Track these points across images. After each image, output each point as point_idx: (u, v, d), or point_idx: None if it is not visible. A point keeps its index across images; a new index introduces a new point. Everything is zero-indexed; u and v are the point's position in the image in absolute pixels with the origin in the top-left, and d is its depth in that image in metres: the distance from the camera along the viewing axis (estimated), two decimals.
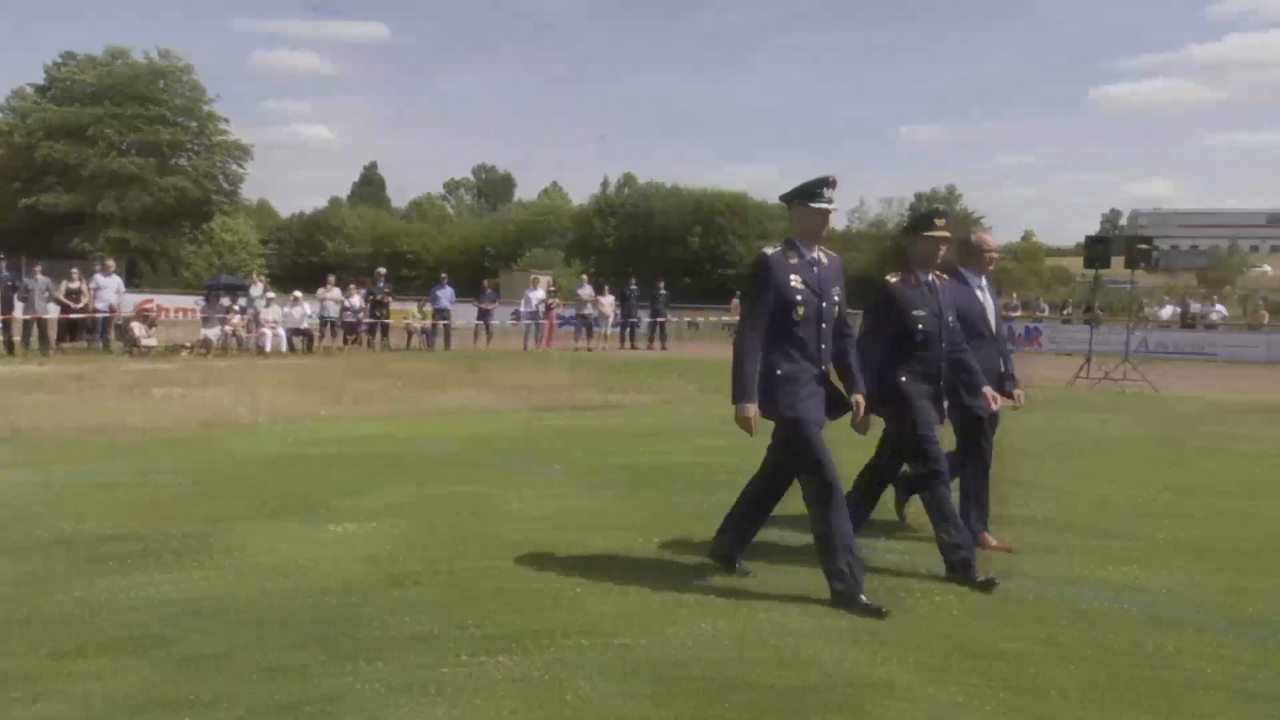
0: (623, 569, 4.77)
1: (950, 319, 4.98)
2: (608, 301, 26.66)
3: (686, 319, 33.53)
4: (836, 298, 4.46)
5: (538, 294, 25.72)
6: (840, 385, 4.55)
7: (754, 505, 4.75)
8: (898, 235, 49.68)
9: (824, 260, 4.47)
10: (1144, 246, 18.69)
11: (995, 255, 5.64)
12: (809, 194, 4.40)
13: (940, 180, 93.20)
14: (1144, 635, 3.99)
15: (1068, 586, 4.68)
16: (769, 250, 4.46)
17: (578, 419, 10.71)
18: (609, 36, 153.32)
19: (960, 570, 4.68)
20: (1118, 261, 19.18)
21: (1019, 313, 33.04)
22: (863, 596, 4.21)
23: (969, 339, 5.22)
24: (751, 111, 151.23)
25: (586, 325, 25.92)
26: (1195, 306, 32.54)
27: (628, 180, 63.56)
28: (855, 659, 3.65)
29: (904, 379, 4.84)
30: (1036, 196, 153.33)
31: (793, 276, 4.35)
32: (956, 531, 4.75)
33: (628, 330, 26.63)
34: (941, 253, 4.98)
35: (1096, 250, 18.46)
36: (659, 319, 26.85)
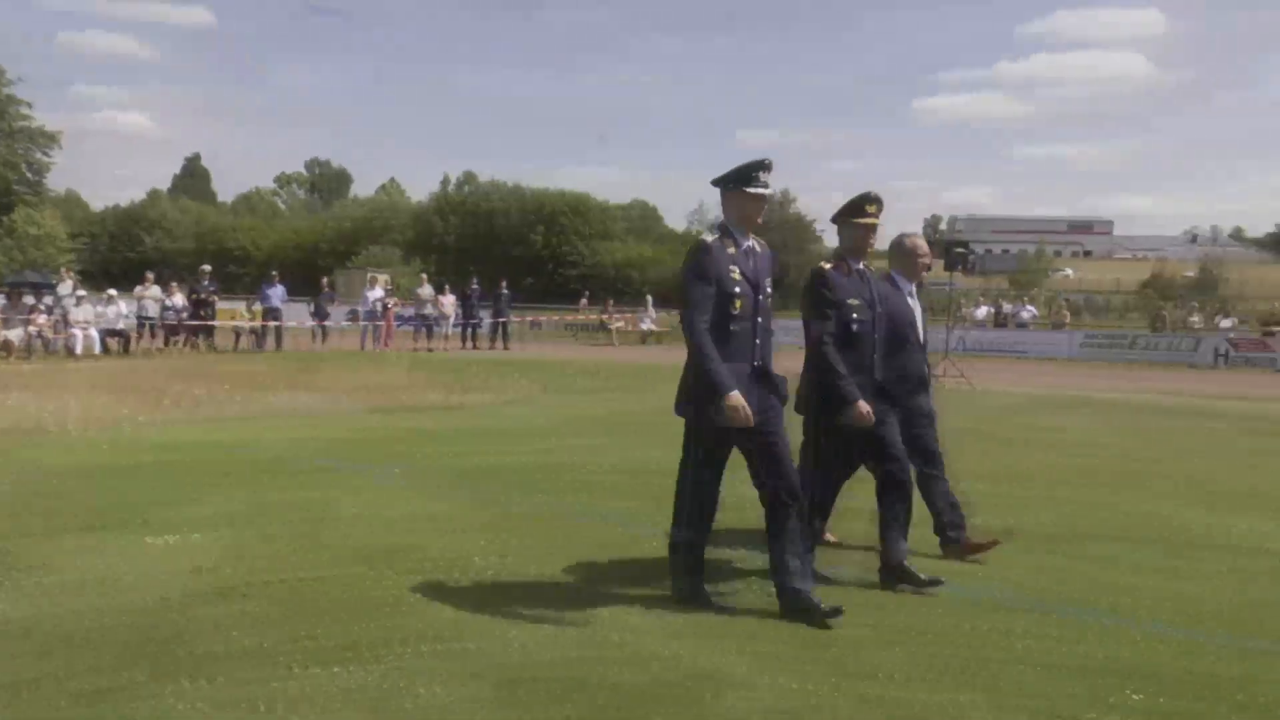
0: (464, 573, 4.70)
1: (880, 310, 4.77)
2: (448, 301, 26.24)
3: (529, 319, 33.37)
4: (769, 290, 4.27)
5: (375, 293, 25.05)
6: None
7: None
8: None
9: (758, 250, 4.27)
10: (961, 250, 19.88)
11: (927, 261, 5.40)
12: (744, 178, 4.18)
13: (775, 184, 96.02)
14: (965, 617, 4.23)
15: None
16: (709, 237, 4.20)
17: (418, 420, 10.48)
18: (449, 30, 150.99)
19: (900, 576, 4.66)
20: (938, 264, 20.25)
21: None
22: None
23: (901, 345, 5.09)
24: (594, 112, 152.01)
25: (427, 325, 25.43)
26: (1007, 307, 34.76)
27: (468, 178, 62.72)
28: (695, 653, 3.72)
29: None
30: None
31: (732, 267, 4.13)
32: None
33: (469, 330, 26.27)
34: (873, 241, 4.78)
35: None
36: (501, 319, 26.61)
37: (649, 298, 34.91)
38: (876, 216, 4.74)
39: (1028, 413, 13.04)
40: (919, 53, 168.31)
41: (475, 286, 27.06)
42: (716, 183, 4.28)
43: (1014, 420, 12.10)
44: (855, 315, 4.64)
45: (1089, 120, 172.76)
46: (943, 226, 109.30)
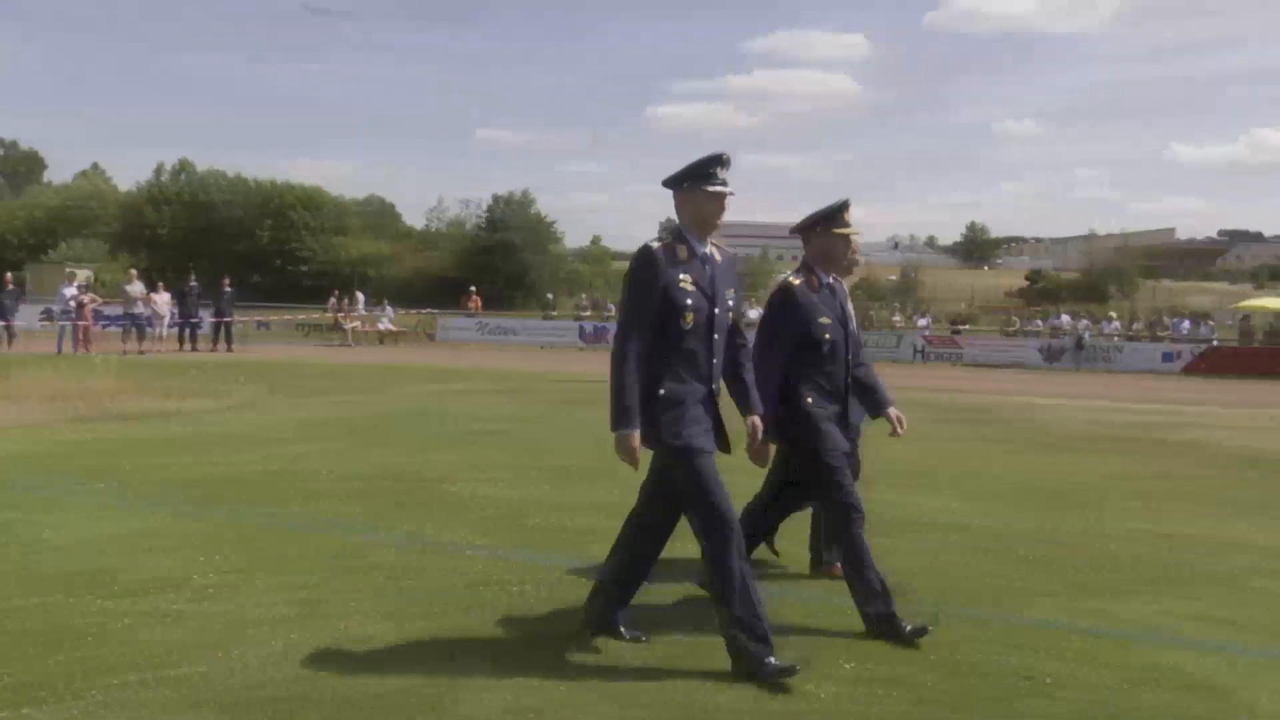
0: (179, 593, 4.36)
1: (853, 327, 4.40)
2: (162, 299, 24.20)
3: (256, 319, 31.47)
4: (730, 301, 3.79)
5: (71, 290, 22.71)
6: (736, 404, 3.92)
7: (631, 558, 3.96)
8: (475, 236, 50.64)
9: (717, 257, 3.79)
10: None
11: (860, 259, 4.88)
12: (702, 175, 3.70)
13: (516, 184, 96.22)
14: (690, 604, 4.42)
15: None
16: (654, 243, 3.69)
17: (129, 430, 9.60)
18: (164, 6, 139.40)
19: (882, 628, 4.02)
20: None
21: (588, 312, 35.16)
22: (771, 658, 3.48)
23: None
24: (327, 103, 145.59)
25: (137, 325, 23.33)
26: None
27: (184, 166, 58.10)
28: (434, 659, 3.65)
29: (809, 399, 4.19)
30: (606, 204, 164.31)
31: (682, 276, 3.64)
32: (875, 581, 4.07)
33: (188, 331, 24.39)
34: (851, 253, 4.39)
35: None
36: (224, 319, 24.91)
37: (383, 299, 33.96)
38: (852, 226, 4.33)
39: None
40: (653, 61, 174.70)
41: (194, 284, 25.18)
42: (669, 183, 3.78)
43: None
44: (827, 335, 4.23)
45: (807, 133, 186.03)
46: None
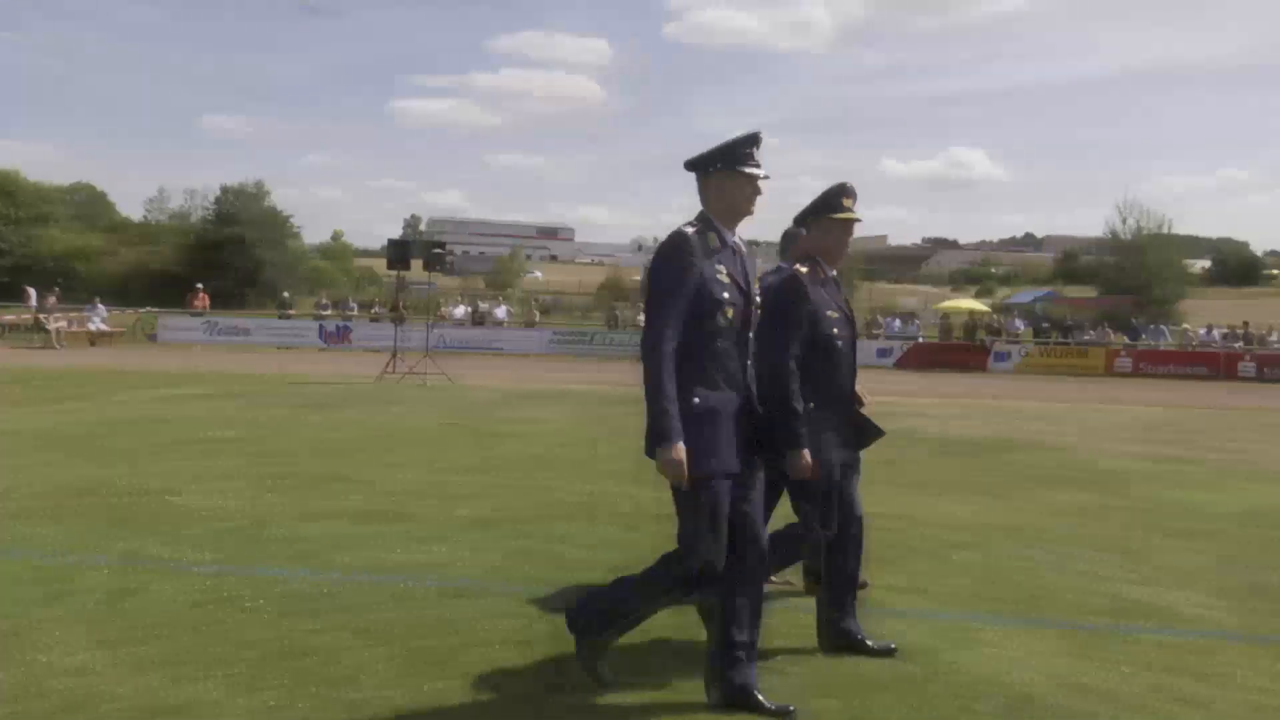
0: None
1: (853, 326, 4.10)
2: None
3: None
4: (758, 298, 3.45)
5: None
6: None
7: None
8: (202, 230, 47.23)
9: (742, 248, 3.45)
10: (439, 251, 20.49)
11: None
12: (735, 156, 3.35)
13: (247, 174, 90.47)
14: (446, 608, 4.34)
15: (379, 574, 4.89)
16: (689, 229, 3.31)
17: None
18: None
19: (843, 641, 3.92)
20: (418, 264, 20.64)
21: (329, 311, 33.74)
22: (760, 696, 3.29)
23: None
24: (20, 76, 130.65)
25: None
26: (484, 306, 36.49)
27: None
28: (158, 686, 3.37)
29: (812, 404, 3.79)
30: (345, 198, 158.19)
31: (718, 267, 3.29)
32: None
33: None
34: (848, 241, 4.07)
35: (398, 253, 19.69)
36: None
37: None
38: (854, 211, 4.01)
39: (503, 406, 13.79)
40: (397, 53, 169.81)
41: None
42: (695, 164, 3.43)
43: (494, 414, 12.72)
44: (835, 330, 3.92)
45: (552, 134, 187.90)
46: (423, 227, 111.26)
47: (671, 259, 3.28)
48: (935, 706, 3.40)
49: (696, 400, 3.21)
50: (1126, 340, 33.11)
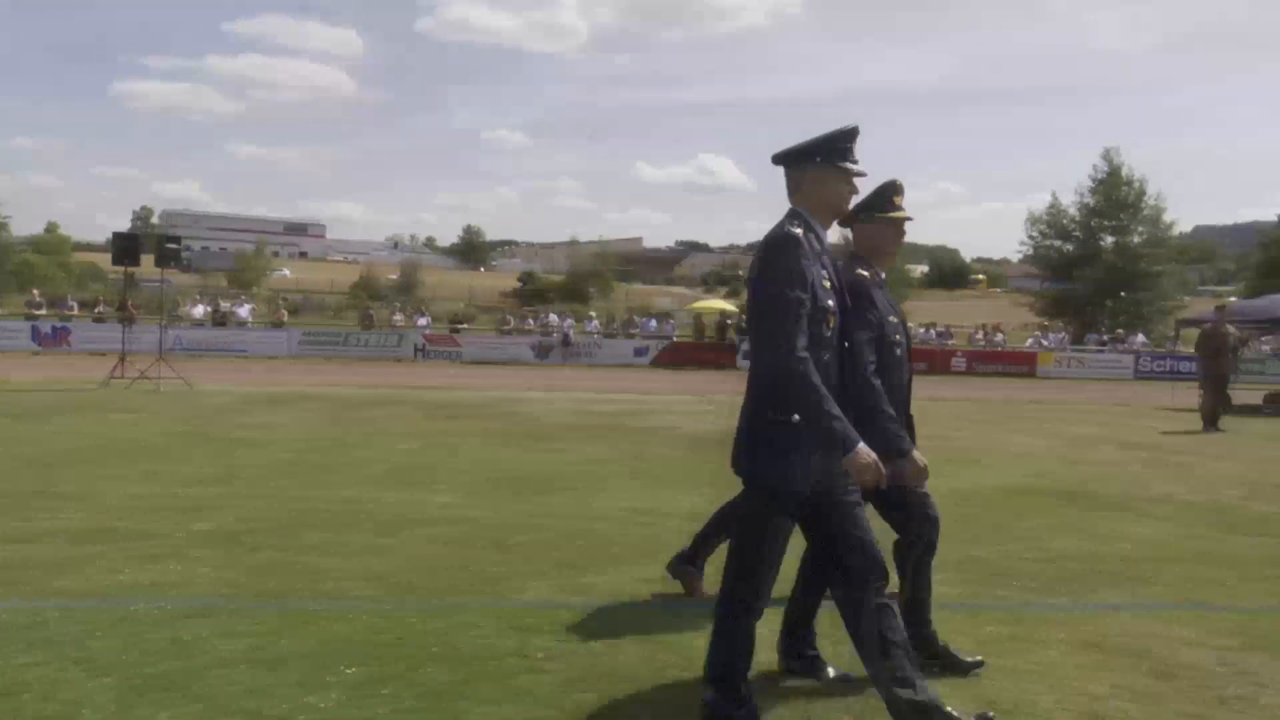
0: None
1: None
2: None
3: None
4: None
5: None
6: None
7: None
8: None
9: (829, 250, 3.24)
10: (174, 246, 19.02)
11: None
12: (836, 150, 3.14)
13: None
14: (181, 629, 4.04)
15: (104, 598, 4.47)
16: (795, 229, 3.08)
17: None
18: None
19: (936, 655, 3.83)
20: (149, 259, 19.08)
21: (43, 310, 30.53)
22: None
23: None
24: None
25: None
26: (225, 305, 34.25)
27: None
28: None
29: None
30: (62, 186, 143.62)
31: (822, 271, 3.10)
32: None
33: None
34: (902, 241, 3.88)
35: (125, 247, 18.16)
36: None
37: None
38: (904, 209, 3.83)
39: (244, 411, 13.01)
40: (122, 31, 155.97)
41: None
42: (789, 157, 3.19)
43: (235, 419, 11.97)
44: (897, 336, 3.74)
45: (301, 126, 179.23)
46: (155, 220, 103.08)
47: (789, 261, 3.04)
48: (691, 692, 3.53)
49: (796, 417, 3.00)
50: None
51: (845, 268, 3.56)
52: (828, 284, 3.11)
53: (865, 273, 3.71)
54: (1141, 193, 43.74)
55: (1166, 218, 44.36)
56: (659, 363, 30.88)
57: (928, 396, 20.00)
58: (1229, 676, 3.87)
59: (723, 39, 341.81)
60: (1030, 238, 46.41)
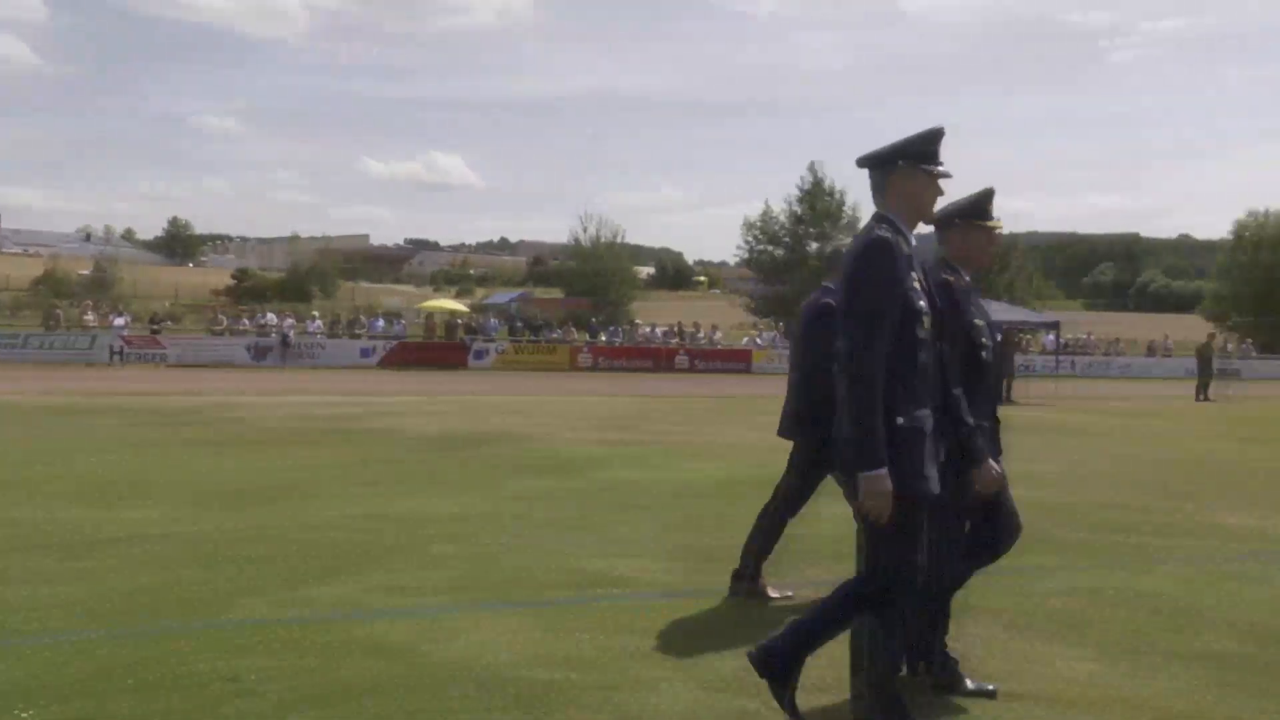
0: None
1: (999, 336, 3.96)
2: None
3: None
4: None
5: None
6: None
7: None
8: None
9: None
10: None
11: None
12: (922, 153, 3.15)
13: None
14: None
15: None
16: (885, 233, 3.07)
17: None
18: None
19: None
20: None
21: None
22: None
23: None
24: None
25: None
26: None
27: None
28: None
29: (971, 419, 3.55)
30: None
31: (912, 274, 3.10)
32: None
33: None
34: (993, 250, 3.97)
35: None
36: None
37: None
38: (996, 218, 3.84)
39: None
40: None
41: None
42: (876, 160, 3.19)
43: None
44: (984, 340, 3.73)
45: None
46: None
47: (881, 268, 3.05)
48: (412, 700, 3.45)
49: (900, 420, 3.04)
50: (588, 338, 36.55)
51: (932, 272, 3.59)
52: (918, 286, 3.15)
53: (951, 278, 3.73)
54: (841, 203, 47.65)
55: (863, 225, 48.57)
56: (387, 364, 30.01)
57: (650, 393, 20.78)
58: None
59: (451, 34, 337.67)
60: (746, 242, 49.32)
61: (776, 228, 48.45)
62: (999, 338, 4.02)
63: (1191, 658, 4.11)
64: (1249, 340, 47.84)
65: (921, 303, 3.13)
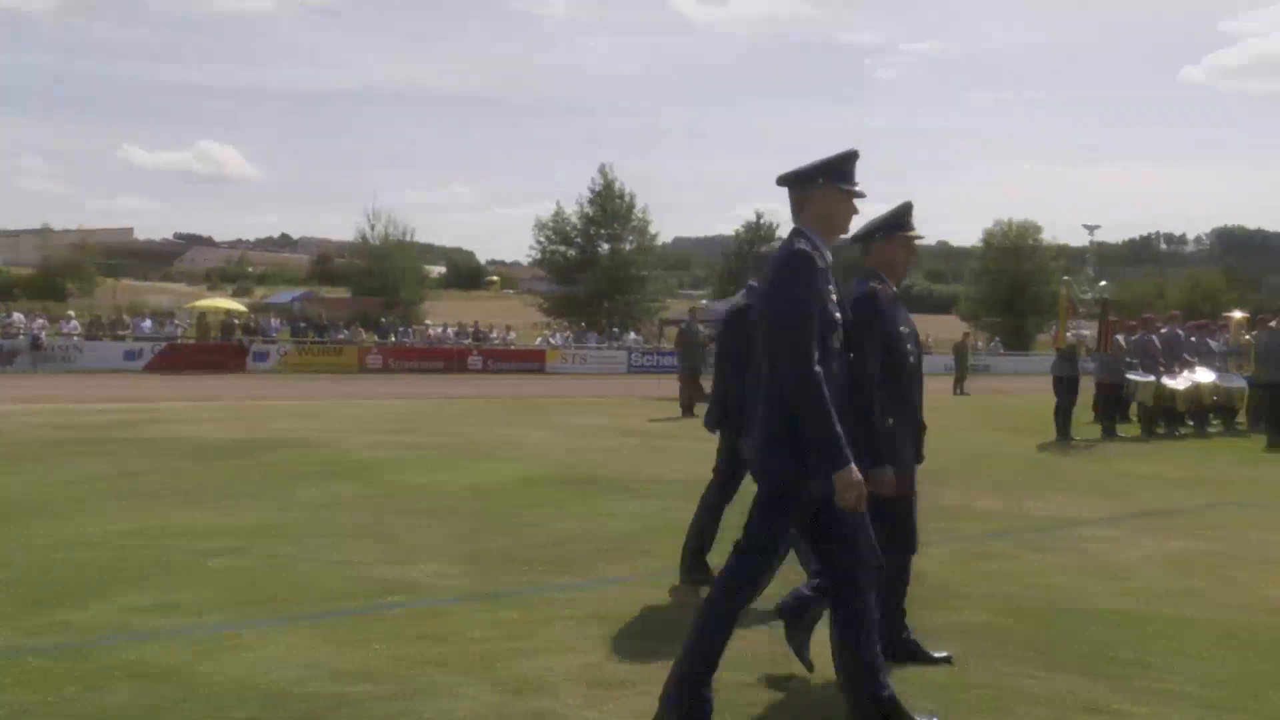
0: None
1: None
2: None
3: None
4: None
5: None
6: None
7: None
8: None
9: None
10: None
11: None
12: (840, 173, 3.39)
13: None
14: None
15: None
16: (804, 246, 3.31)
17: None
18: None
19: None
20: None
21: None
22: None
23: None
24: None
25: None
26: None
27: None
28: None
29: (891, 420, 3.78)
30: None
31: (829, 287, 3.32)
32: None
33: None
34: (914, 259, 4.20)
35: None
36: None
37: None
38: (915, 229, 4.12)
39: None
40: None
41: None
42: (795, 179, 3.41)
43: None
44: (909, 346, 3.96)
45: None
46: None
47: (802, 277, 3.23)
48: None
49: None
50: (377, 339, 35.48)
51: (859, 282, 3.93)
52: (834, 297, 3.33)
53: (878, 286, 3.94)
54: (631, 206, 48.54)
55: (652, 229, 49.64)
56: (156, 367, 27.96)
57: (442, 395, 20.45)
58: None
59: (224, 18, 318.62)
60: (539, 242, 49.36)
61: (569, 228, 48.78)
62: (921, 346, 4.27)
63: (952, 631, 4.47)
64: (997, 339, 52.48)
65: (837, 314, 3.32)
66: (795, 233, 3.38)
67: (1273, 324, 13.95)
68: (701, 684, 3.22)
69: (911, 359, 3.98)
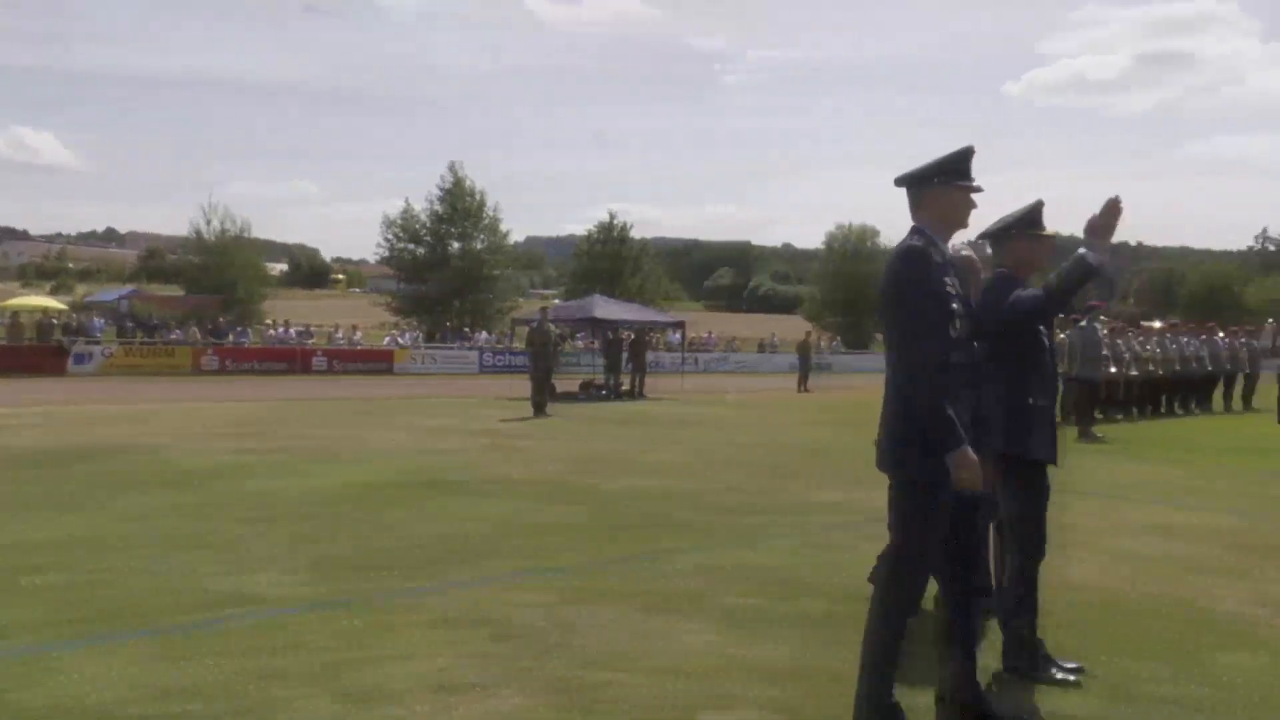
0: None
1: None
2: None
3: None
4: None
5: None
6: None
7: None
8: None
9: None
10: None
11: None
12: (955, 171, 3.45)
13: None
14: None
15: None
16: (918, 243, 3.36)
17: None
18: None
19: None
20: None
21: None
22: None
23: None
24: None
25: None
26: None
27: None
28: None
29: (1030, 400, 4.05)
30: None
31: (946, 280, 3.37)
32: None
33: None
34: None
35: None
36: None
37: None
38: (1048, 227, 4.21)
39: None
40: None
41: None
42: (912, 179, 3.48)
43: None
44: (1048, 343, 4.12)
45: None
46: None
47: (918, 271, 3.31)
48: None
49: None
50: (214, 339, 33.82)
51: (1000, 279, 4.07)
52: (951, 290, 3.38)
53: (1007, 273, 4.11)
54: (482, 204, 47.90)
55: (503, 227, 49.18)
56: None
57: (284, 397, 19.68)
58: (551, 629, 4.45)
59: None
60: (386, 240, 48.11)
61: (418, 226, 47.77)
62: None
63: (796, 621, 4.62)
64: (839, 338, 54.54)
65: (955, 305, 3.39)
66: (913, 230, 3.48)
67: (1082, 323, 15.03)
68: (970, 679, 3.54)
69: (1049, 356, 4.14)
